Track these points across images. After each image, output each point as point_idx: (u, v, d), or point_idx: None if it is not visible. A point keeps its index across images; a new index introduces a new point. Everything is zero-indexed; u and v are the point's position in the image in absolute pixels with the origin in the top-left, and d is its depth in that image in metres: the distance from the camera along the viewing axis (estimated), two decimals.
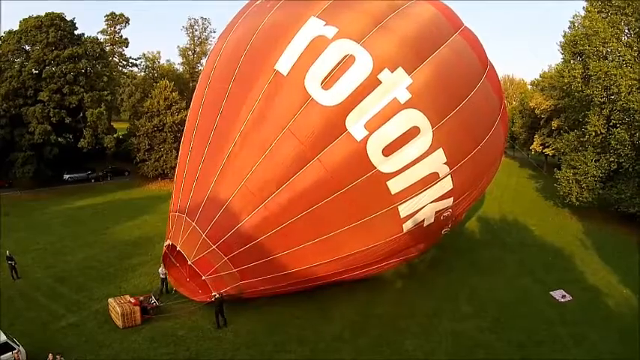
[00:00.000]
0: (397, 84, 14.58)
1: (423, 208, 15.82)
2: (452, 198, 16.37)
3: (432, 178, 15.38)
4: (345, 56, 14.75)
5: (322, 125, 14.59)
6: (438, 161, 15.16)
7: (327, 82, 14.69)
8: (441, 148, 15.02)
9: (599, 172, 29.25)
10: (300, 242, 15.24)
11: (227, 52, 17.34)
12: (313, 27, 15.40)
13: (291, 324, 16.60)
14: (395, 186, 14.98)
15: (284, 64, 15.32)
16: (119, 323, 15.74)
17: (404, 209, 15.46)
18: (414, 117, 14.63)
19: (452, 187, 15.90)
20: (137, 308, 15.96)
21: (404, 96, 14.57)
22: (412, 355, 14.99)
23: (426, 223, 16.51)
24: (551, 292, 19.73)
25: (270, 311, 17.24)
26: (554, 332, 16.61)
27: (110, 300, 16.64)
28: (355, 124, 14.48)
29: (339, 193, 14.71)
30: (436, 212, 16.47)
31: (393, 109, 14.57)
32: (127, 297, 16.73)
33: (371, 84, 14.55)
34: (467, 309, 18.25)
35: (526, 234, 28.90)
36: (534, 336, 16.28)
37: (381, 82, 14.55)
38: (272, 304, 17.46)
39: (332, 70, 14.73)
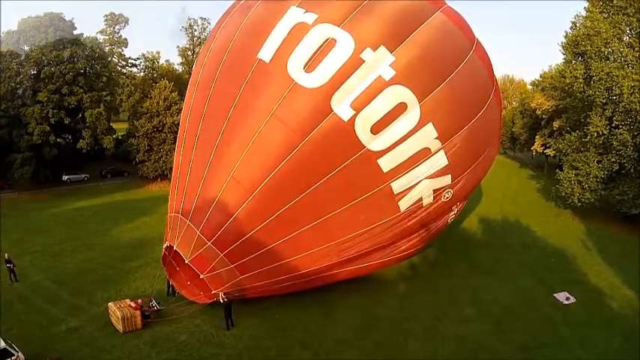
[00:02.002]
0: (380, 62, 14.65)
1: (417, 184, 15.76)
2: (449, 175, 16.30)
3: (424, 154, 15.38)
4: (326, 40, 14.93)
5: (308, 108, 14.68)
6: (428, 136, 15.17)
7: (310, 66, 14.84)
8: (430, 123, 15.02)
9: (602, 173, 29.16)
10: (295, 229, 15.17)
11: (214, 51, 17.66)
12: (293, 15, 15.68)
13: (295, 328, 16.46)
14: (386, 163, 15.00)
15: (266, 52, 15.58)
16: (119, 327, 15.57)
17: (397, 185, 15.42)
18: (399, 93, 14.67)
19: (447, 163, 15.86)
20: (138, 312, 15.80)
21: (388, 73, 14.63)
22: (415, 357, 14.87)
23: (425, 202, 16.40)
24: (554, 294, 19.63)
25: (273, 315, 17.11)
26: (558, 334, 16.55)
27: (110, 304, 16.46)
28: (341, 105, 14.54)
29: (331, 175, 14.71)
30: (434, 190, 16.36)
31: (378, 86, 14.61)
32: (127, 301, 16.55)
33: (354, 64, 14.65)
34: (470, 311, 18.15)
35: (528, 235, 28.81)
36: (538, 338, 16.21)
37: (364, 61, 14.64)
38: (275, 307, 17.36)
39: (314, 54, 14.89)
